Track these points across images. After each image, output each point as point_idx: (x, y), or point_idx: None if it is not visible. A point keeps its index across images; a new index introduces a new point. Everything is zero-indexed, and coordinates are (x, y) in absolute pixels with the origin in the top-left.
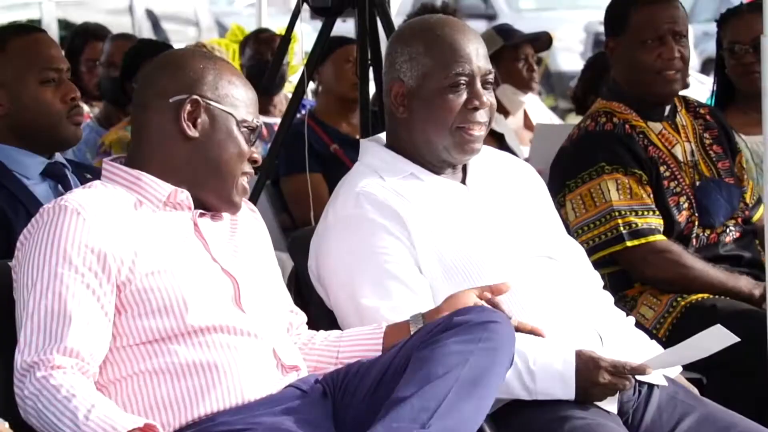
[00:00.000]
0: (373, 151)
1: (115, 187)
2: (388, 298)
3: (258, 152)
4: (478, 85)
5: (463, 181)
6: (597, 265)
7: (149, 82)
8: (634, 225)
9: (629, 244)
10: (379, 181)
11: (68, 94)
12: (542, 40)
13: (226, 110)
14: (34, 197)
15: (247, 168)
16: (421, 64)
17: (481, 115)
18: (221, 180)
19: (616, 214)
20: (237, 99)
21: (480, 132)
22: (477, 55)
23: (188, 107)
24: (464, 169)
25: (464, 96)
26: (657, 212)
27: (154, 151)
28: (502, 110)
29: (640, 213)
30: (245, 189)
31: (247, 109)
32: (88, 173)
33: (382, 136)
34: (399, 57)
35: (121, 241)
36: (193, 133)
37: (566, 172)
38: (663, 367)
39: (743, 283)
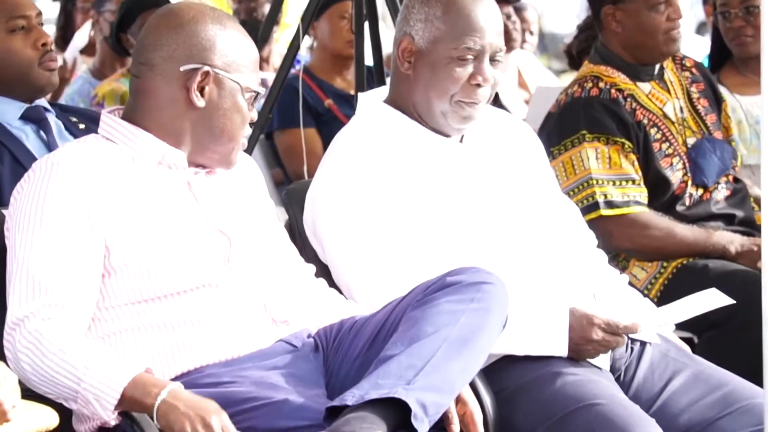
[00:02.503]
0: (371, 105)
1: (110, 143)
2: (381, 257)
3: (255, 111)
4: (486, 61)
5: (461, 140)
6: None
7: (157, 42)
8: (609, 195)
9: (603, 213)
10: (374, 138)
11: (39, 40)
12: None
13: (233, 79)
14: (19, 141)
15: (247, 130)
16: (435, 28)
17: (483, 92)
18: (223, 146)
19: (594, 182)
20: (243, 64)
21: (479, 107)
22: (492, 31)
23: (198, 78)
24: None
25: (469, 70)
26: (638, 181)
27: (156, 113)
28: None
29: (617, 183)
30: (243, 146)
31: (252, 72)
32: (73, 116)
33: (381, 90)
34: (415, 14)
35: (112, 200)
36: (200, 103)
37: (550, 139)
38: (655, 329)
39: (716, 239)
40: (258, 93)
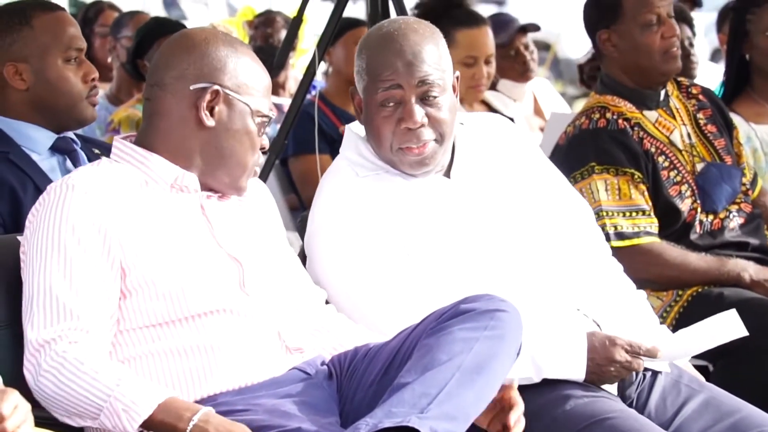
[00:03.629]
0: (354, 143)
1: (123, 166)
2: (382, 300)
3: (266, 137)
4: (411, 102)
5: (448, 173)
6: None
7: (168, 63)
8: (619, 227)
9: (613, 244)
10: (355, 179)
11: (89, 75)
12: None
13: (244, 101)
14: (43, 172)
15: (258, 157)
16: (362, 79)
17: (419, 135)
18: (231, 169)
19: (604, 214)
20: (254, 87)
21: (425, 150)
22: (409, 68)
23: (208, 96)
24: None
25: (396, 115)
26: (648, 212)
27: (166, 134)
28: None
29: (627, 214)
30: (254, 172)
31: (263, 97)
32: (96, 148)
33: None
34: (355, 68)
35: (126, 221)
36: (210, 122)
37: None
38: (672, 357)
39: (730, 267)
40: (269, 118)
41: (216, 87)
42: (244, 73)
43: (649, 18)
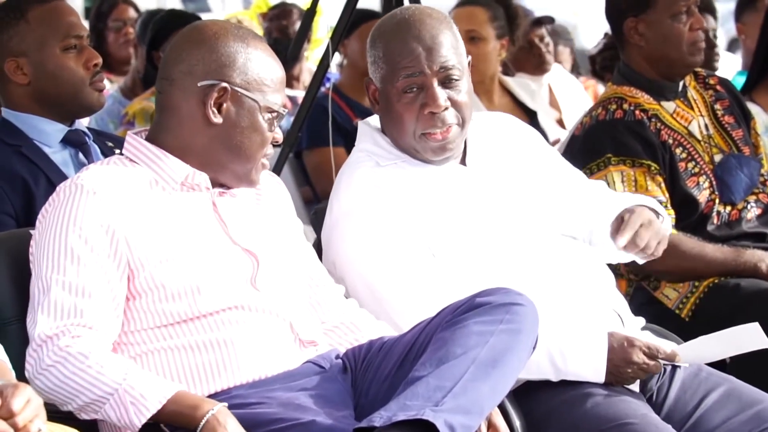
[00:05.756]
0: (370, 135)
1: (134, 164)
2: (403, 288)
3: (279, 131)
4: (434, 86)
5: (464, 161)
6: None
7: (178, 57)
8: None
9: None
10: (376, 169)
11: (90, 60)
12: (546, 20)
13: (253, 97)
14: (55, 165)
15: (269, 150)
16: (380, 68)
17: (444, 119)
18: (241, 165)
19: None
20: (264, 82)
21: (448, 135)
22: (428, 53)
23: (215, 94)
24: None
25: (419, 100)
26: (664, 203)
27: (176, 129)
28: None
29: None
30: (265, 166)
31: (274, 92)
32: (109, 141)
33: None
34: (369, 58)
35: (134, 224)
36: (217, 119)
37: (575, 162)
38: (691, 360)
39: (746, 258)
40: (279, 114)
41: (224, 84)
42: (254, 68)
43: (680, 8)
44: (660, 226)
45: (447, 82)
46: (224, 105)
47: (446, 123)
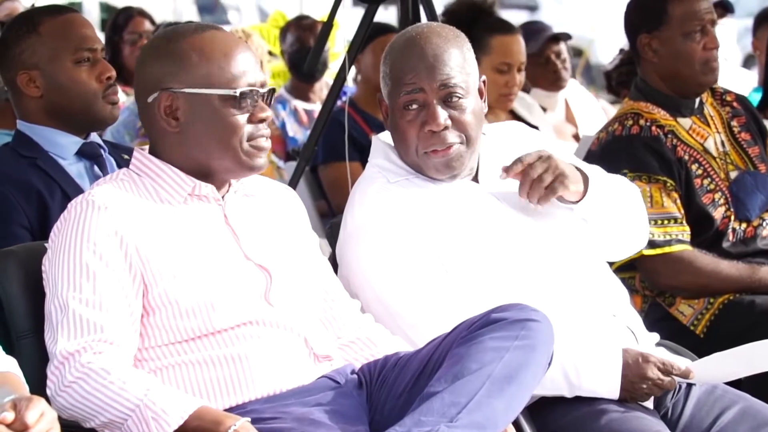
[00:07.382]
0: (382, 150)
1: (141, 178)
2: (417, 303)
3: (263, 105)
4: (434, 104)
5: (476, 178)
6: (625, 268)
7: (136, 81)
8: (650, 235)
9: (644, 252)
10: (389, 186)
11: (104, 74)
12: (563, 36)
13: (201, 92)
14: (70, 178)
15: (254, 130)
16: (386, 84)
17: (444, 138)
18: (222, 157)
19: None
20: (214, 73)
21: (451, 152)
22: (431, 70)
23: (163, 103)
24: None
25: (420, 118)
26: (680, 220)
27: (161, 144)
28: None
29: (659, 222)
30: (259, 148)
31: (235, 77)
32: (125, 154)
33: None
34: (380, 74)
35: (146, 239)
36: (174, 127)
37: None
38: (706, 378)
39: (761, 275)
40: (245, 93)
41: (166, 92)
42: (193, 62)
43: (694, 27)
44: (563, 165)
45: (448, 100)
46: (178, 110)
47: (446, 142)
